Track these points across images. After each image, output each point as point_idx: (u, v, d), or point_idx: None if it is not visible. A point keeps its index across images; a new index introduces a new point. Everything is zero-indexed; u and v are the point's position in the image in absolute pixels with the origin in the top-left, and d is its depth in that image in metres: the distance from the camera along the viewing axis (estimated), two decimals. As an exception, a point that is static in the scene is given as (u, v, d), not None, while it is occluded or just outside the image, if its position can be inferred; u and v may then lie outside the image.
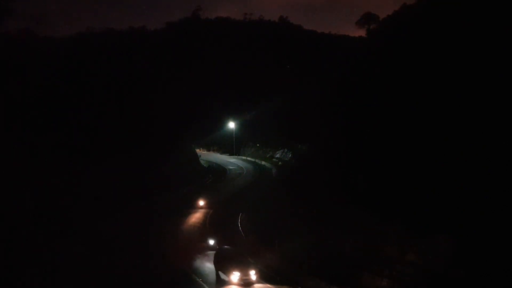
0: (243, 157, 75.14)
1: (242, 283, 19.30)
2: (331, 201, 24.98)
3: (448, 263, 16.51)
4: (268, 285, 19.70)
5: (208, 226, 30.94)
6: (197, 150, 75.63)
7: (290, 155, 62.08)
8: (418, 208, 19.03)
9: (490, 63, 20.83)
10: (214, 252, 22.53)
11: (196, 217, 33.88)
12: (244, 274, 19.30)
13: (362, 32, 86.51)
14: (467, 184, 18.10)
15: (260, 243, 24.88)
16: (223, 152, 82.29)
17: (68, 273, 20.35)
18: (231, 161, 69.91)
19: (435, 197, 18.98)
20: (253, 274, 19.46)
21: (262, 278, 20.07)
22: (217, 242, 25.08)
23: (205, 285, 20.09)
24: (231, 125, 77.16)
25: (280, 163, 62.57)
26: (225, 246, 23.08)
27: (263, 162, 67.33)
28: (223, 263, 20.35)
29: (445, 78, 23.04)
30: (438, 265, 16.86)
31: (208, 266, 22.44)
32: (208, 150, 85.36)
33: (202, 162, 65.37)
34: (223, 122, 78.69)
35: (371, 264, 18.95)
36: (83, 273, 20.39)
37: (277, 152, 70.10)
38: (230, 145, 77.67)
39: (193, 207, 37.57)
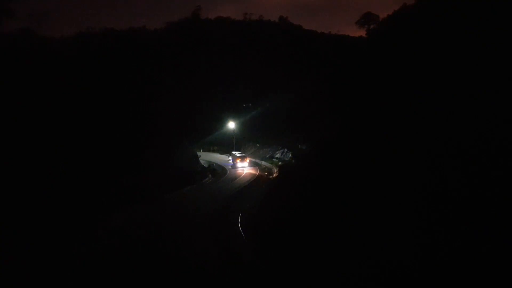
0: (243, 157, 75.16)
1: None
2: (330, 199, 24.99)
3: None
4: None
5: (208, 226, 30.84)
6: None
7: (290, 155, 62.16)
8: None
9: (491, 62, 20.83)
10: None
11: (196, 217, 33.76)
12: None
13: (362, 32, 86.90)
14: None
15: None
16: (223, 152, 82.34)
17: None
18: (229, 160, 69.95)
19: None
20: None
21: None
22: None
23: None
24: (231, 125, 77.25)
25: (280, 163, 62.63)
26: None
27: (263, 162, 67.43)
28: None
29: (446, 77, 23.04)
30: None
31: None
32: (208, 150, 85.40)
33: (202, 162, 65.39)
34: (223, 122, 78.80)
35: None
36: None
37: (277, 152, 70.23)
38: (230, 145, 77.73)
39: (193, 207, 37.60)
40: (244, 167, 62.73)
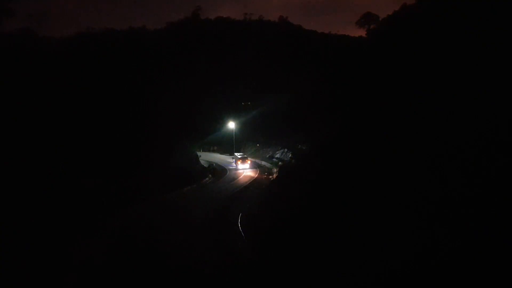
0: (243, 157, 75.08)
1: None
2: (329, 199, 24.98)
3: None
4: None
5: (208, 226, 30.85)
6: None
7: (290, 155, 62.12)
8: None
9: (491, 62, 20.83)
10: None
11: (196, 217, 33.77)
12: None
13: (362, 32, 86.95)
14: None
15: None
16: (223, 152, 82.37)
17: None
18: (231, 161, 69.91)
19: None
20: None
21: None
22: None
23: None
24: (231, 125, 77.25)
25: (280, 163, 62.64)
26: None
27: (263, 162, 67.41)
28: None
29: (446, 78, 23.04)
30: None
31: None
32: (208, 150, 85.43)
33: (202, 162, 65.40)
34: (223, 122, 78.80)
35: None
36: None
37: (277, 152, 70.20)
38: (230, 145, 77.76)
39: (193, 207, 37.65)
40: (245, 169, 61.88)
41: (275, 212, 30.81)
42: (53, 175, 32.75)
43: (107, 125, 42.70)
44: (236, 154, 68.67)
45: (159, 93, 54.58)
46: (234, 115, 77.65)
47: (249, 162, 64.39)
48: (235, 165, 64.56)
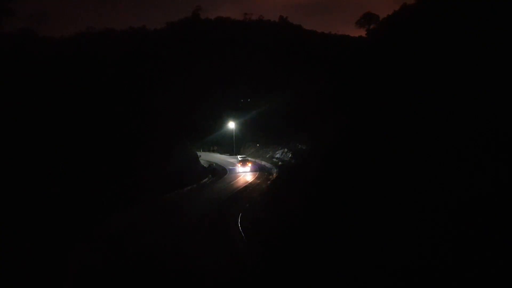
0: (243, 157, 75.06)
1: None
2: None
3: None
4: None
5: (208, 226, 30.86)
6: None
7: (290, 155, 62.08)
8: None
9: (491, 62, 20.82)
10: None
11: (195, 217, 33.75)
12: None
13: (362, 32, 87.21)
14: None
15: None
16: (223, 152, 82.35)
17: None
18: (231, 161, 69.92)
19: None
20: None
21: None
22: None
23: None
24: (231, 125, 77.27)
25: (280, 163, 62.59)
26: None
27: (263, 162, 67.40)
28: None
29: (446, 78, 23.02)
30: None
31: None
32: (208, 150, 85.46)
33: (202, 162, 65.39)
34: (223, 122, 78.88)
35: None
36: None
37: (277, 152, 70.19)
38: (230, 145, 77.78)
39: (193, 207, 37.64)
40: (246, 171, 60.17)
41: (275, 212, 30.81)
42: (52, 175, 32.70)
43: (107, 125, 42.68)
44: (238, 156, 67.46)
45: (159, 93, 54.61)
46: (234, 115, 77.71)
47: (249, 164, 61.64)
48: (238, 167, 62.30)
